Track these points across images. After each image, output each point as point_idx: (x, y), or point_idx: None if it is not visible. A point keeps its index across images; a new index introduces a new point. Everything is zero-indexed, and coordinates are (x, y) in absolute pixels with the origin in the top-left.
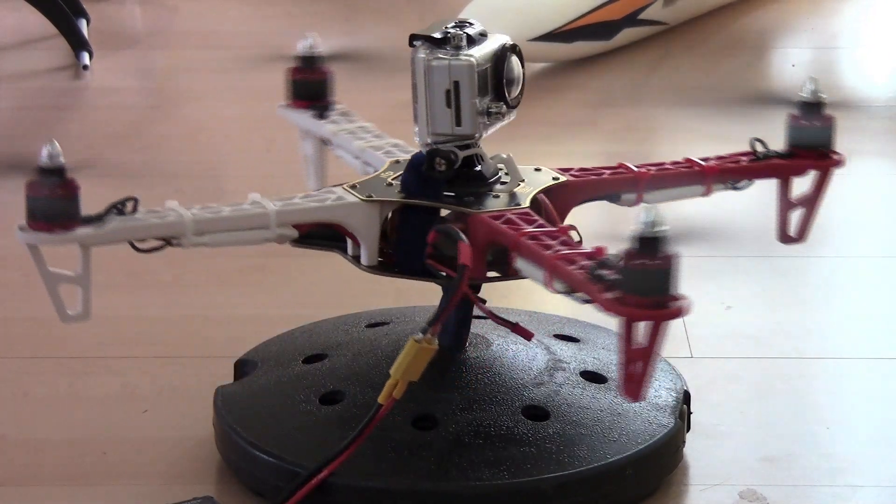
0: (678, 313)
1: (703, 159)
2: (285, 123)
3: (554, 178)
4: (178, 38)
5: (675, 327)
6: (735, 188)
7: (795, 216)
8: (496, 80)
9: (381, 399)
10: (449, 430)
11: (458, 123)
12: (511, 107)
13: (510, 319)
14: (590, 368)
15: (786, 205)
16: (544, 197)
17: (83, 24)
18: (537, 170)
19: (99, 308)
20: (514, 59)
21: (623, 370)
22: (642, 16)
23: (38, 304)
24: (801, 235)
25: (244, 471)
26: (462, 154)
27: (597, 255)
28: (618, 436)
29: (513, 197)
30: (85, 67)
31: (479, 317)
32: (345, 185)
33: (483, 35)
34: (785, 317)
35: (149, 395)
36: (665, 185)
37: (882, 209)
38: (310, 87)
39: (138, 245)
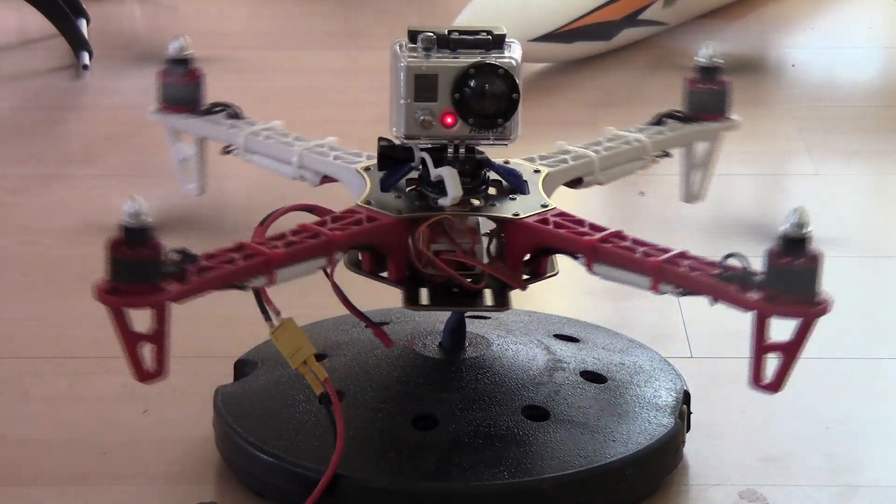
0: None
1: (677, 256)
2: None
3: (515, 214)
4: None
5: (674, 327)
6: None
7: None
8: (454, 91)
9: (317, 390)
10: (449, 430)
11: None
12: (475, 125)
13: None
14: (590, 368)
15: (760, 348)
16: (453, 219)
17: (83, 23)
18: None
19: (99, 308)
20: (490, 78)
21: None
22: (642, 16)
23: (38, 304)
24: (776, 385)
25: (244, 471)
26: (421, 155)
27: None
28: (618, 436)
29: (433, 209)
30: (85, 67)
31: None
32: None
33: (482, 46)
34: None
35: (149, 396)
36: (612, 263)
37: (876, 209)
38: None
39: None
